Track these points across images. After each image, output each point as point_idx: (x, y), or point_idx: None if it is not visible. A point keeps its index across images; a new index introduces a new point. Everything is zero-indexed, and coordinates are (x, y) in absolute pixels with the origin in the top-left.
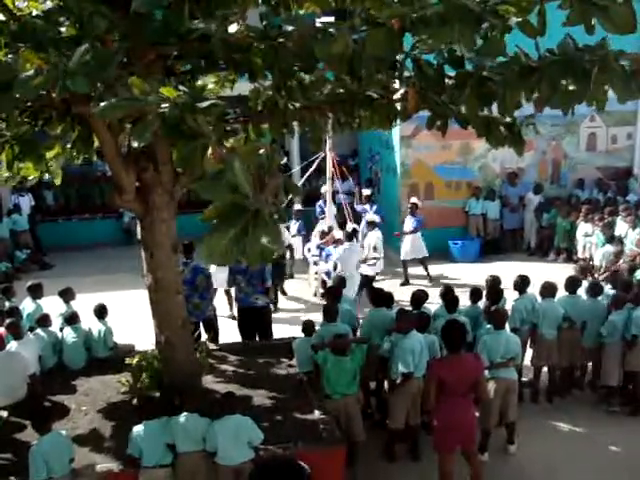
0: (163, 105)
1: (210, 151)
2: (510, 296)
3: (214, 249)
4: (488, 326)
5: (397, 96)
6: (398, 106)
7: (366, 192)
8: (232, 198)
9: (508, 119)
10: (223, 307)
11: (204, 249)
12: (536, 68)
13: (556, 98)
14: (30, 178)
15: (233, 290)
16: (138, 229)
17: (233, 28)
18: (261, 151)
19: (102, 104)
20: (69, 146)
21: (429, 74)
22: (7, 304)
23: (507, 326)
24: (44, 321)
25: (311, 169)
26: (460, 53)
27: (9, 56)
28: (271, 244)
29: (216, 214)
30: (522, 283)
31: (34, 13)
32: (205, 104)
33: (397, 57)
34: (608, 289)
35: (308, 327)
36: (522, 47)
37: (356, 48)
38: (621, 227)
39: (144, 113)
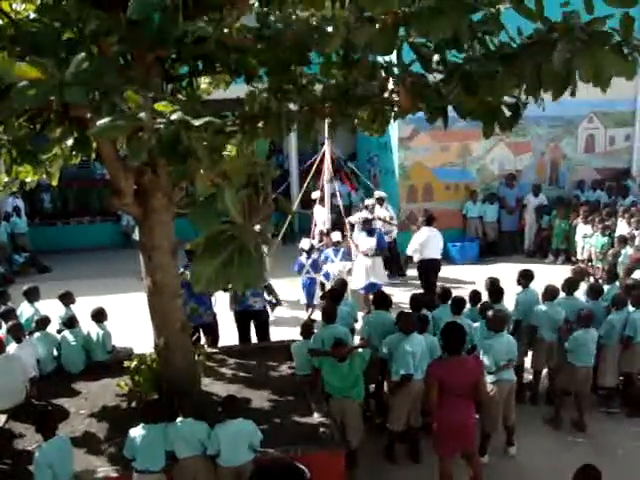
0: (159, 121)
1: (203, 172)
2: (510, 296)
3: (201, 275)
4: (475, 324)
5: (387, 95)
6: (393, 106)
7: (383, 214)
8: (221, 228)
9: (510, 100)
10: (226, 313)
11: (192, 275)
12: (517, 54)
13: (547, 82)
14: (28, 180)
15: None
16: (137, 232)
17: (229, 29)
18: (255, 166)
19: (98, 123)
20: (68, 145)
21: (427, 58)
22: (2, 307)
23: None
24: (43, 324)
25: (312, 172)
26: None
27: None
28: (255, 274)
29: (204, 241)
30: (525, 277)
31: (32, 16)
32: (201, 121)
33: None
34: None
35: (306, 330)
36: (510, 31)
37: (351, 38)
38: (622, 228)
39: (140, 129)
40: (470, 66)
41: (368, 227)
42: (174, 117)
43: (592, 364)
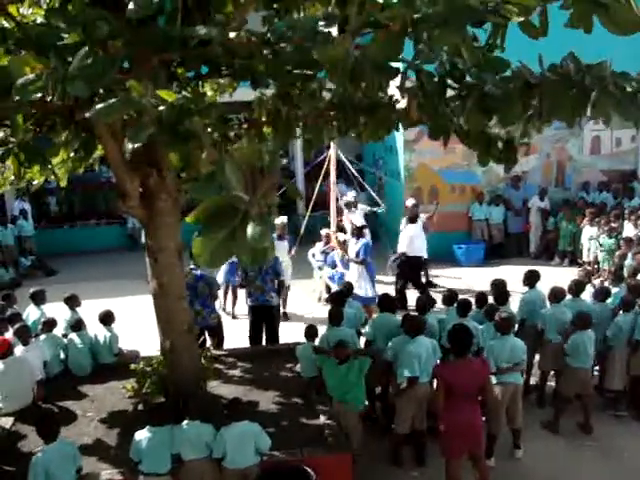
0: (160, 107)
1: (204, 154)
2: (515, 299)
3: (203, 250)
4: (480, 326)
5: (400, 105)
6: (399, 114)
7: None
8: (221, 199)
9: (505, 135)
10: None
11: (193, 250)
12: (537, 85)
13: (558, 114)
14: (35, 182)
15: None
16: (143, 234)
17: (234, 33)
18: (263, 154)
19: (97, 107)
20: (72, 154)
21: (430, 87)
22: (9, 310)
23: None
24: (49, 326)
25: (321, 175)
26: (462, 66)
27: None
28: (261, 246)
29: (205, 215)
30: (532, 278)
31: (38, 20)
32: (202, 106)
33: (399, 67)
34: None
35: (311, 332)
36: (524, 61)
37: (357, 56)
38: (628, 230)
39: (141, 115)
40: (489, 87)
41: (357, 234)
42: (175, 102)
43: (590, 366)
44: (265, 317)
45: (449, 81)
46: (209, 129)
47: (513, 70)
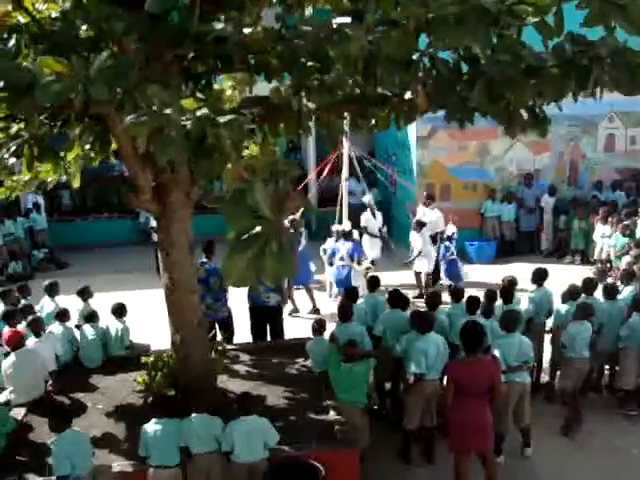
0: (186, 117)
1: (230, 167)
2: (525, 297)
3: (232, 271)
4: (484, 321)
5: (408, 95)
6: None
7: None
8: (251, 223)
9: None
10: (241, 307)
11: (223, 269)
12: (539, 68)
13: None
14: (49, 180)
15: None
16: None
17: (248, 30)
18: (278, 164)
19: (127, 120)
20: (88, 147)
21: (444, 73)
22: (23, 301)
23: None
24: (63, 316)
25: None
26: (476, 51)
27: (29, 60)
28: (286, 267)
29: (236, 236)
30: (540, 276)
31: (53, 15)
32: (226, 118)
33: (412, 56)
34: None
35: (319, 327)
36: (531, 43)
37: (371, 49)
38: None
39: (167, 127)
40: (493, 72)
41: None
42: (200, 114)
43: (588, 357)
44: (266, 318)
45: (464, 66)
46: (229, 140)
47: (518, 54)
